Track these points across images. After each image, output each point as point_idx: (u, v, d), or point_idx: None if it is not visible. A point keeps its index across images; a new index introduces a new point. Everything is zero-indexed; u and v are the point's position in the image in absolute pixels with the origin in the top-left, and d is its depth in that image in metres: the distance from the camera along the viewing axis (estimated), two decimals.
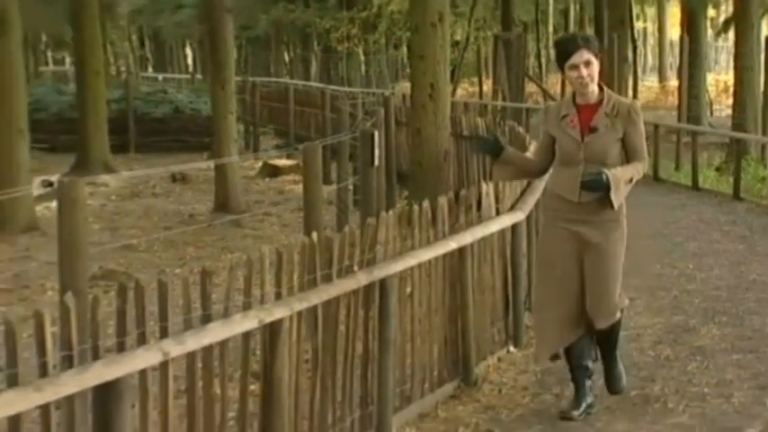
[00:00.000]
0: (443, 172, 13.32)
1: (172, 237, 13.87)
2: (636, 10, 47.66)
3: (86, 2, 22.07)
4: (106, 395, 4.22)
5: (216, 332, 4.80)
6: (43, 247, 13.16)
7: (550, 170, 6.72)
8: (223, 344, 4.92)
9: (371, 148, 10.91)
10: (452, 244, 7.01)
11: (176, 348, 4.53)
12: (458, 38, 38.86)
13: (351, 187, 13.18)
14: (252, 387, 5.28)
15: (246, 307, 5.05)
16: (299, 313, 5.47)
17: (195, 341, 4.68)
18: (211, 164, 17.42)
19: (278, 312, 5.21)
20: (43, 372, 3.96)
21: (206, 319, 4.78)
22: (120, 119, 25.52)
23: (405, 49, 49.48)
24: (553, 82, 40.65)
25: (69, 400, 4.12)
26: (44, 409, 4.00)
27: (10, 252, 13.47)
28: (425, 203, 6.81)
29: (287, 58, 62.34)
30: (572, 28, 53.66)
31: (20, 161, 15.30)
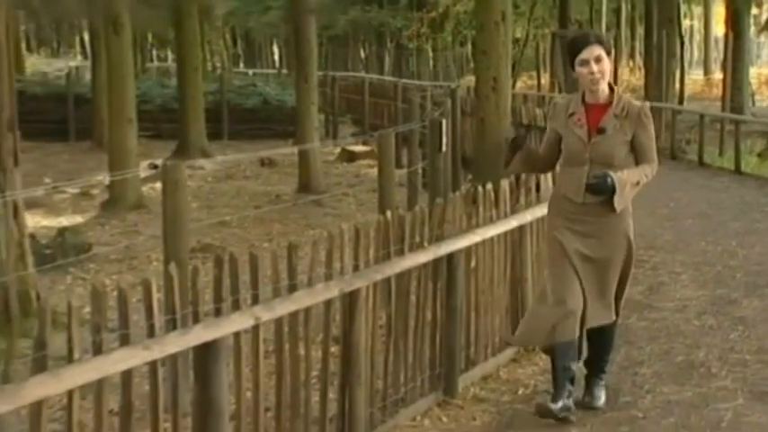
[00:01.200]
0: (502, 156, 13.22)
1: (260, 215, 13.98)
2: (683, 9, 46.97)
3: (187, 6, 22.28)
4: (205, 354, 4.29)
5: (301, 300, 4.87)
6: (149, 222, 13.39)
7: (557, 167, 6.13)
8: (307, 310, 4.99)
9: (440, 135, 10.90)
10: (513, 222, 6.99)
11: (266, 314, 4.60)
12: (518, 35, 38.57)
13: (420, 171, 13.18)
14: (332, 349, 5.32)
15: (328, 278, 5.10)
16: (375, 284, 5.51)
17: (283, 308, 4.75)
18: (295, 150, 17.54)
19: (356, 283, 5.26)
20: (150, 333, 4.04)
21: (292, 288, 4.82)
22: (215, 109, 25.72)
23: (470, 45, 49.18)
24: None
25: (173, 357, 4.20)
26: (152, 365, 4.08)
27: (120, 227, 13.70)
28: (489, 185, 6.79)
29: (363, 55, 62.21)
30: (623, 26, 53.04)
31: (129, 147, 15.56)
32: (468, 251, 6.52)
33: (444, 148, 11.10)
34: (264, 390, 4.71)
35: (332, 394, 5.29)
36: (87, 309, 3.90)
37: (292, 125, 20.71)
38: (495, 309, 6.98)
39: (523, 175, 7.37)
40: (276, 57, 70.01)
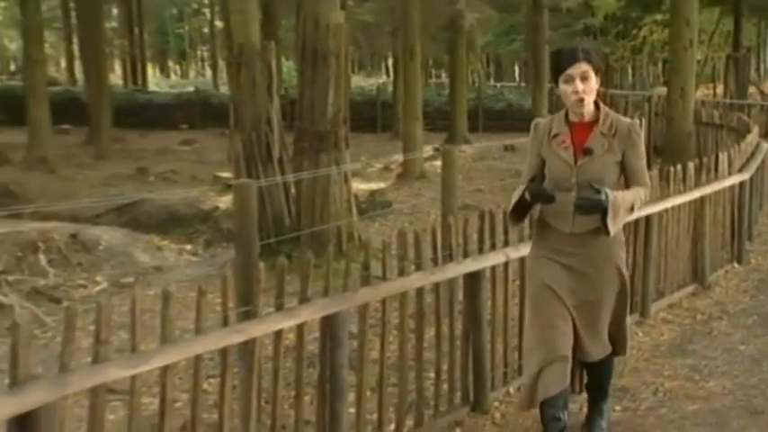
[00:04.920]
0: (687, 146, 12.66)
1: (504, 185, 13.83)
2: None
3: (459, 41, 22.30)
4: (471, 279, 4.31)
5: None
6: (429, 188, 13.54)
7: None
8: None
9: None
10: (697, 194, 6.61)
11: (513, 253, 4.54)
12: (699, 57, 36.24)
13: None
14: None
15: None
16: None
17: (525, 249, 4.65)
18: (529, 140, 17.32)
19: None
20: (435, 263, 4.09)
21: (530, 236, 4.71)
22: (474, 111, 25.66)
23: (660, 65, 46.75)
24: None
25: (450, 281, 4.25)
26: (435, 285, 4.13)
27: (409, 191, 13.94)
28: (679, 166, 6.44)
29: None
30: None
31: (417, 136, 15.80)
32: (661, 214, 6.19)
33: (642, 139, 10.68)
34: (510, 306, 4.66)
35: None
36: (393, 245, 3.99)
37: (528, 122, 20.43)
38: (680, 256, 6.63)
39: (705, 159, 6.96)
40: (516, 74, 68.96)
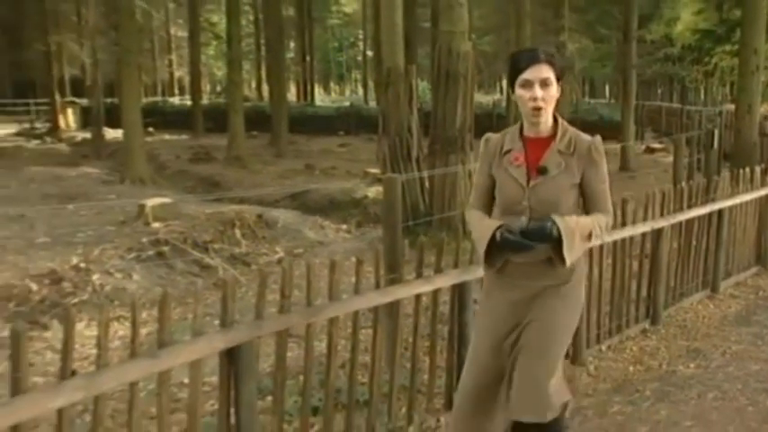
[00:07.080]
0: (754, 153, 11.80)
1: None
2: None
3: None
4: None
5: (627, 231, 4.55)
6: None
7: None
8: (631, 237, 4.64)
9: (712, 138, 9.83)
10: (762, 192, 6.13)
11: (608, 238, 4.31)
12: (763, 79, 33.41)
13: (696, 160, 11.94)
14: (644, 261, 4.94)
15: (645, 219, 4.72)
16: (672, 225, 5.04)
17: (617, 235, 4.47)
18: (618, 145, 16.54)
19: (661, 223, 4.86)
20: None
21: (623, 224, 4.50)
22: (572, 122, 23.55)
23: (728, 86, 43.57)
24: None
25: None
26: None
27: None
28: (747, 169, 5.99)
29: (659, 92, 57.01)
30: None
31: None
32: (731, 209, 5.78)
33: (715, 146, 9.99)
34: (603, 281, 4.44)
35: (644, 287, 4.92)
36: None
37: (617, 131, 19.55)
38: (746, 243, 6.18)
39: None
40: (607, 92, 66.02)
